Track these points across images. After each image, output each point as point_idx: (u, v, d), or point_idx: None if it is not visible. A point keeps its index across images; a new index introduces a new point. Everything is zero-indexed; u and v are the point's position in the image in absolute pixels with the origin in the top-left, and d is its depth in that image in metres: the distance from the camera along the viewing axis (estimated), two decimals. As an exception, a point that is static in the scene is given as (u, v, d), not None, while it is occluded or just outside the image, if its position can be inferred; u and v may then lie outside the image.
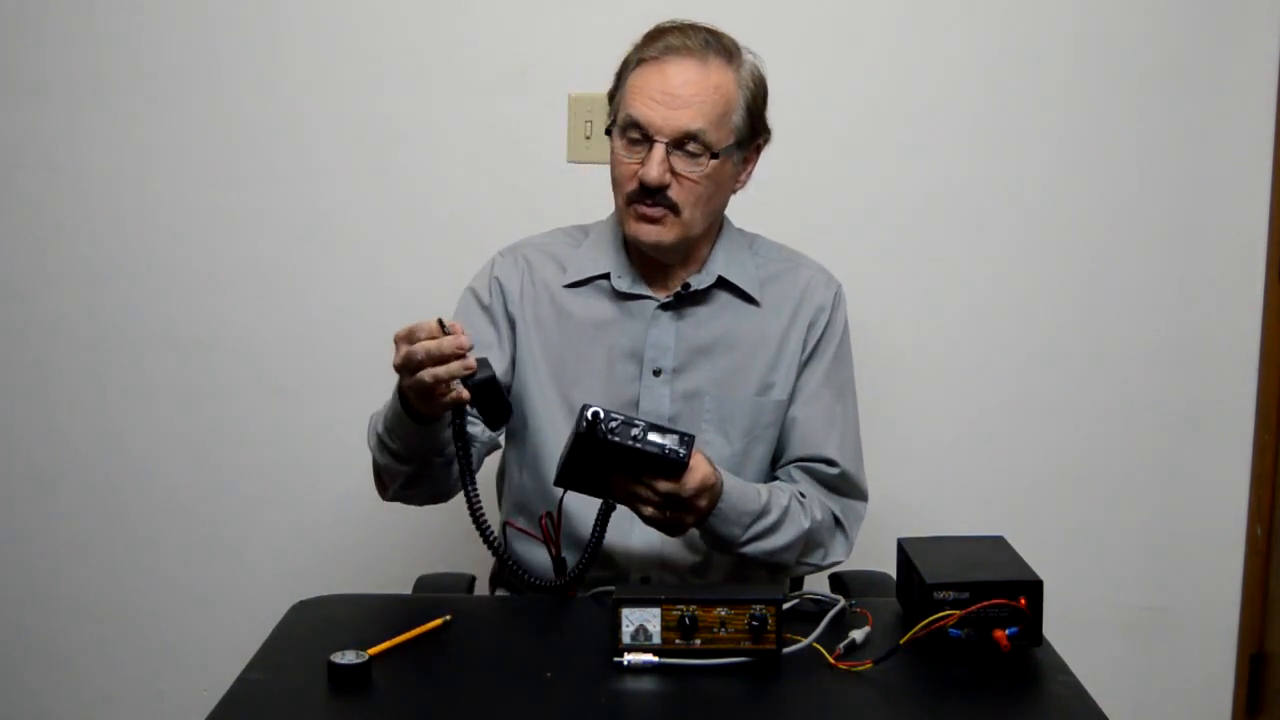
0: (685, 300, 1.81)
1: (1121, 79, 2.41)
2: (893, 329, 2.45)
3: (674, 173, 1.71)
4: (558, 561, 1.60)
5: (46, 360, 2.48)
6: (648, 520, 1.61)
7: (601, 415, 1.48)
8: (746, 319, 1.83)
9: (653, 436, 1.50)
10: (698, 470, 1.57)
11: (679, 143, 1.70)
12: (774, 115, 2.37)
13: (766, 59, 2.35)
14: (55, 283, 2.47)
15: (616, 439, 1.49)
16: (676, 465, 1.52)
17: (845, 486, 1.84)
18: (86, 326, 2.47)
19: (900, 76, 2.41)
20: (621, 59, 1.78)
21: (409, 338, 1.50)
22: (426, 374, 1.48)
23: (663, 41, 1.72)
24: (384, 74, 2.39)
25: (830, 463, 1.82)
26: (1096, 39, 2.40)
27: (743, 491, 1.69)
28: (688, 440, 1.52)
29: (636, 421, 1.50)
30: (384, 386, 2.41)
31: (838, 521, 1.83)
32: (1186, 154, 2.43)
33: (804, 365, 1.84)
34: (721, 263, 1.82)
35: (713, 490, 1.61)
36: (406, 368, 1.51)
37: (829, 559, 1.84)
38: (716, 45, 1.74)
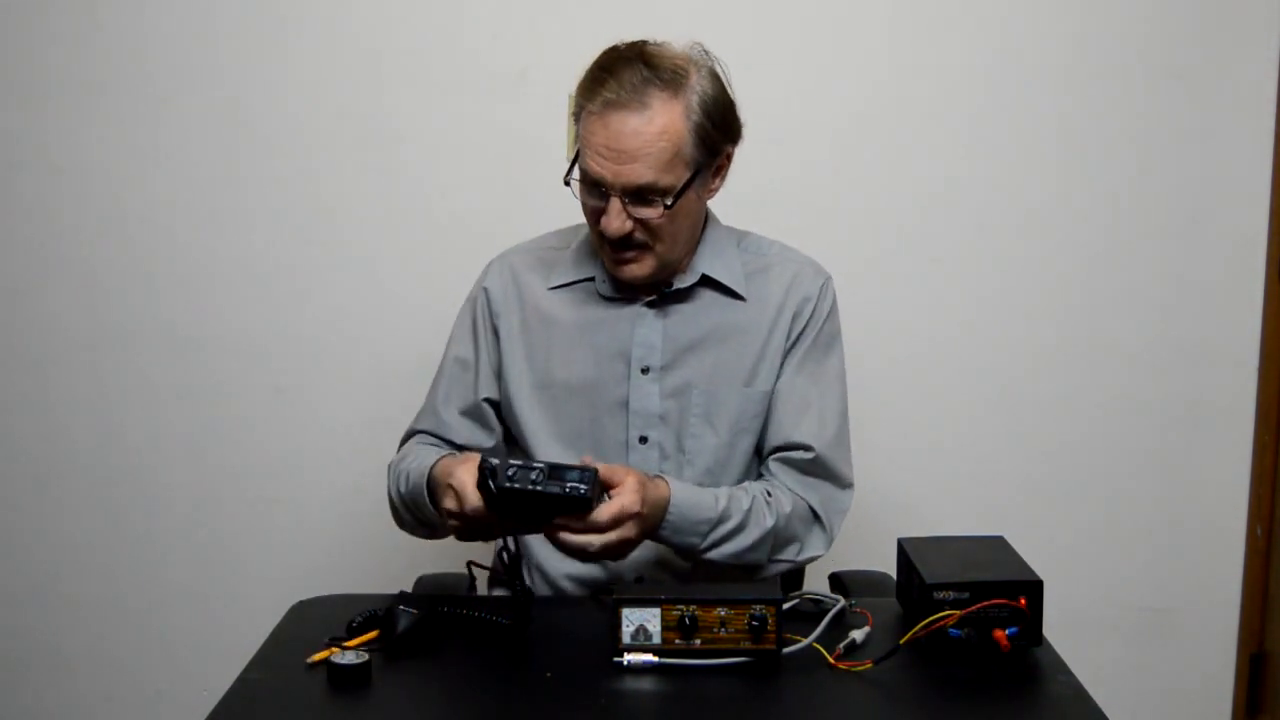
0: (670, 298, 1.81)
1: (1121, 79, 2.41)
2: (893, 329, 2.45)
3: (635, 219, 1.69)
4: (522, 593, 1.59)
5: (46, 360, 2.48)
6: (582, 559, 1.61)
7: (495, 465, 1.49)
8: (733, 313, 1.82)
9: (552, 478, 1.48)
10: (614, 502, 1.54)
11: (633, 193, 1.68)
12: (773, 116, 2.39)
13: (765, 60, 2.37)
14: (55, 283, 2.47)
15: (516, 485, 1.48)
16: (582, 502, 1.50)
17: (821, 471, 1.81)
18: (86, 326, 2.47)
19: (899, 76, 2.41)
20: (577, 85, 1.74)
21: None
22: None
23: (601, 96, 1.66)
24: (384, 74, 2.39)
25: (804, 448, 1.79)
26: (1096, 39, 2.40)
27: (697, 500, 1.69)
28: (589, 475, 1.50)
29: (535, 465, 1.49)
30: (383, 387, 2.43)
31: (815, 514, 1.80)
32: (1186, 154, 2.43)
33: (786, 354, 1.83)
34: (706, 261, 1.82)
35: (641, 518, 1.58)
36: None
37: (805, 554, 1.80)
38: (656, 81, 1.67)
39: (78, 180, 2.43)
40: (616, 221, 1.68)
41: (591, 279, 1.83)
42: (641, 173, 1.66)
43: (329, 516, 2.51)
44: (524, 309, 1.85)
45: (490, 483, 1.48)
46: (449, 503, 1.57)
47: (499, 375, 1.85)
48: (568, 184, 1.74)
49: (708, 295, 1.82)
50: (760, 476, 1.84)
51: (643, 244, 1.72)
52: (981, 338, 2.48)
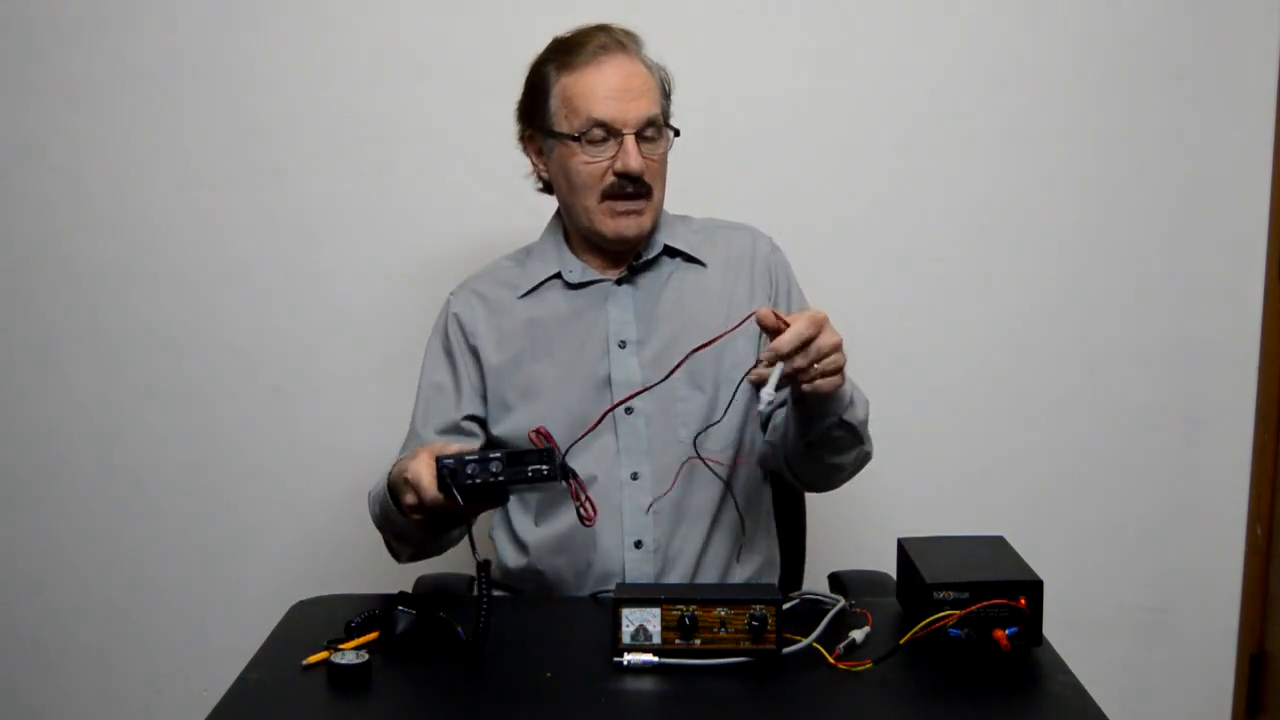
0: (637, 271, 1.88)
1: (1121, 79, 2.41)
2: (892, 329, 2.45)
3: (645, 158, 1.78)
4: (563, 467, 1.54)
5: (46, 360, 2.48)
6: (820, 381, 1.55)
7: (452, 465, 1.46)
8: (695, 278, 1.89)
9: (511, 465, 1.46)
10: (802, 317, 1.52)
11: (640, 131, 1.77)
12: (772, 116, 2.39)
13: (766, 59, 2.38)
14: (55, 283, 2.46)
15: (478, 481, 1.46)
16: (548, 480, 1.48)
17: None
18: (86, 326, 2.47)
19: (898, 76, 2.41)
20: (528, 76, 1.85)
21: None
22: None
23: (591, 44, 1.79)
24: (384, 74, 2.39)
25: None
26: (1096, 39, 2.40)
27: None
28: (547, 454, 1.47)
29: (492, 455, 1.47)
30: (383, 387, 2.43)
31: None
32: (1186, 154, 2.43)
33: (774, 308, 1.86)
34: (665, 234, 1.90)
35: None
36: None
37: (870, 446, 1.81)
38: (630, 39, 1.81)
39: (77, 180, 2.43)
40: (636, 159, 1.77)
41: (558, 274, 1.88)
42: (649, 105, 1.79)
43: (329, 516, 2.51)
44: (500, 323, 1.89)
45: (451, 484, 1.47)
46: (409, 498, 1.56)
47: (484, 393, 1.88)
48: (575, 139, 1.77)
49: (670, 264, 1.90)
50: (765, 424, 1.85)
51: (648, 190, 1.80)
52: (981, 338, 2.48)
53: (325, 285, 2.45)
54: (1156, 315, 2.47)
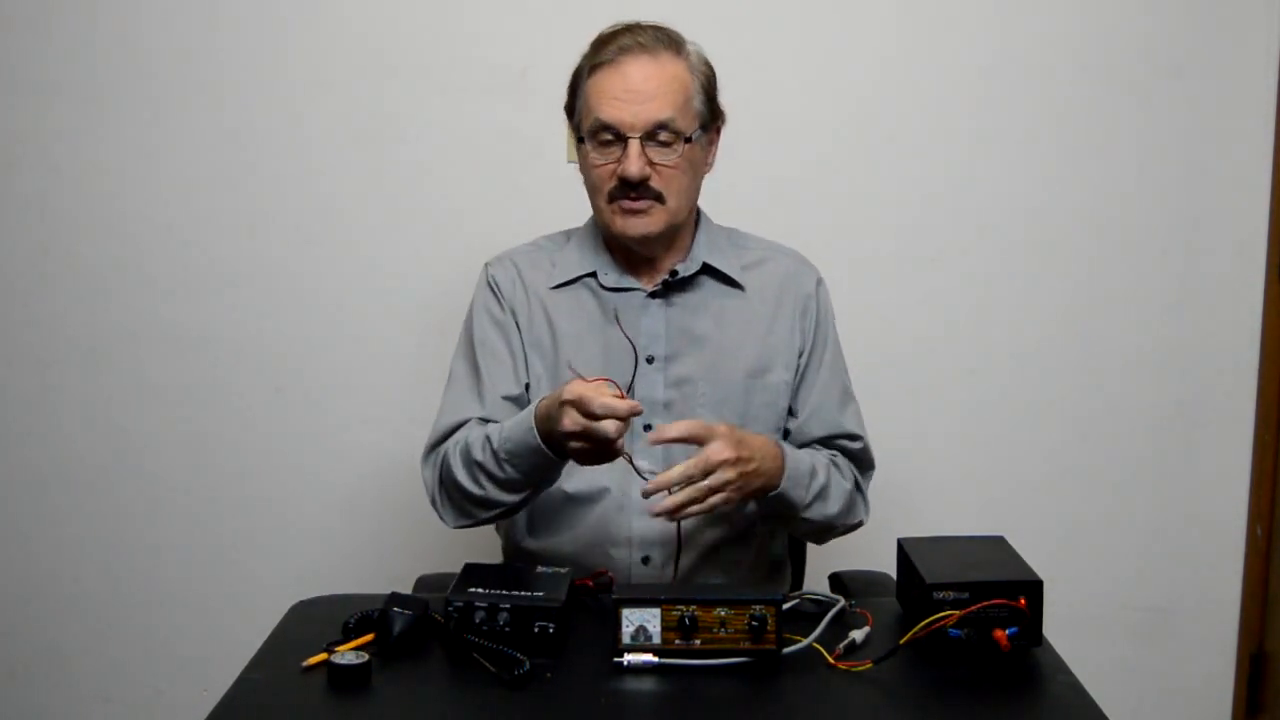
0: (673, 288, 1.84)
1: (1121, 79, 2.41)
2: (893, 329, 2.45)
3: (651, 164, 1.75)
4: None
5: (46, 360, 2.48)
6: (722, 503, 1.62)
7: (461, 606, 1.46)
8: (733, 304, 1.86)
9: (516, 622, 1.46)
10: (721, 432, 1.60)
11: (650, 135, 1.74)
12: (773, 115, 2.39)
13: (765, 58, 2.38)
14: (55, 283, 2.47)
15: (484, 629, 1.47)
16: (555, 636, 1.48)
17: (865, 458, 1.89)
18: (86, 326, 2.47)
19: (899, 76, 2.41)
20: (572, 73, 1.81)
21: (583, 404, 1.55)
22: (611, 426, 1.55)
23: (614, 44, 1.76)
24: (384, 74, 2.39)
25: (853, 437, 1.87)
26: (1096, 39, 2.40)
27: (796, 454, 1.75)
28: (555, 611, 1.47)
29: (503, 606, 1.47)
30: (383, 387, 2.43)
31: (857, 485, 1.87)
32: (1186, 154, 2.43)
33: (809, 354, 1.87)
34: (705, 250, 1.86)
35: (739, 461, 1.61)
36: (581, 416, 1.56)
37: (859, 518, 1.86)
38: (665, 39, 1.78)
39: (78, 180, 2.43)
40: (637, 163, 1.73)
41: (594, 274, 1.85)
42: (660, 109, 1.73)
43: (329, 516, 2.51)
44: (530, 306, 1.86)
45: (463, 632, 1.47)
46: (569, 423, 1.55)
47: (526, 365, 1.86)
48: (582, 140, 1.77)
49: (708, 284, 1.86)
50: None
51: (657, 194, 1.76)
52: (981, 337, 2.48)
53: (325, 285, 2.45)
54: (1157, 315, 2.47)
